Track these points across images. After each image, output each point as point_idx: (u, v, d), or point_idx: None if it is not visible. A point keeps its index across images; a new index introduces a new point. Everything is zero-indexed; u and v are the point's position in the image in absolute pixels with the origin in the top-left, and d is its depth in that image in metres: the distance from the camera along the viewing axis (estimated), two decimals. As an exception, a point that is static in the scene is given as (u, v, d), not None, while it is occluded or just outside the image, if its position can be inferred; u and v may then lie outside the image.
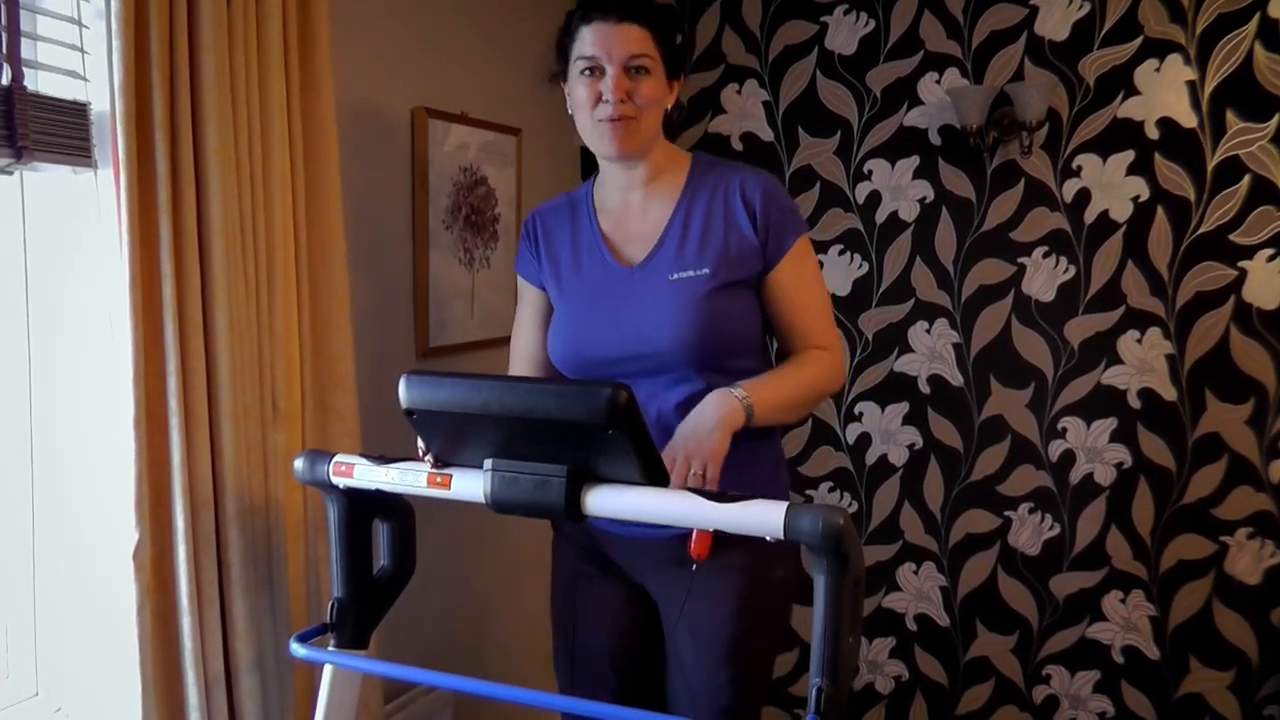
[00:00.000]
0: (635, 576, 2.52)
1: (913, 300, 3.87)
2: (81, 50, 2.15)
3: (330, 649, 2.10)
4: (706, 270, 2.33)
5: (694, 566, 2.24)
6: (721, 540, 1.84)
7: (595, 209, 2.51)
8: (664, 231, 2.40)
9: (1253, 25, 3.39)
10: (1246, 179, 3.43)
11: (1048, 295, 3.70)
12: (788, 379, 2.34)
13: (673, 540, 2.34)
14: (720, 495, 1.74)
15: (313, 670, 2.48)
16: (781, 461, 2.55)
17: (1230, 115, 3.43)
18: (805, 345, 2.42)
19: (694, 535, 1.86)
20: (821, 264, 3.86)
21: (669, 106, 2.43)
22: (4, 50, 2.03)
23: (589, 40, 2.31)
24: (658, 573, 2.46)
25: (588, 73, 2.32)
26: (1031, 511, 3.79)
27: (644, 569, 2.49)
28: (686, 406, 2.27)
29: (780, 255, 2.38)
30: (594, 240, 2.47)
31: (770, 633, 2.48)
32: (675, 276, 2.34)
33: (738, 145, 4.04)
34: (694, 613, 2.40)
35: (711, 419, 2.13)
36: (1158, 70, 3.50)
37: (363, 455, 2.01)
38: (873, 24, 3.83)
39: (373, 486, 1.99)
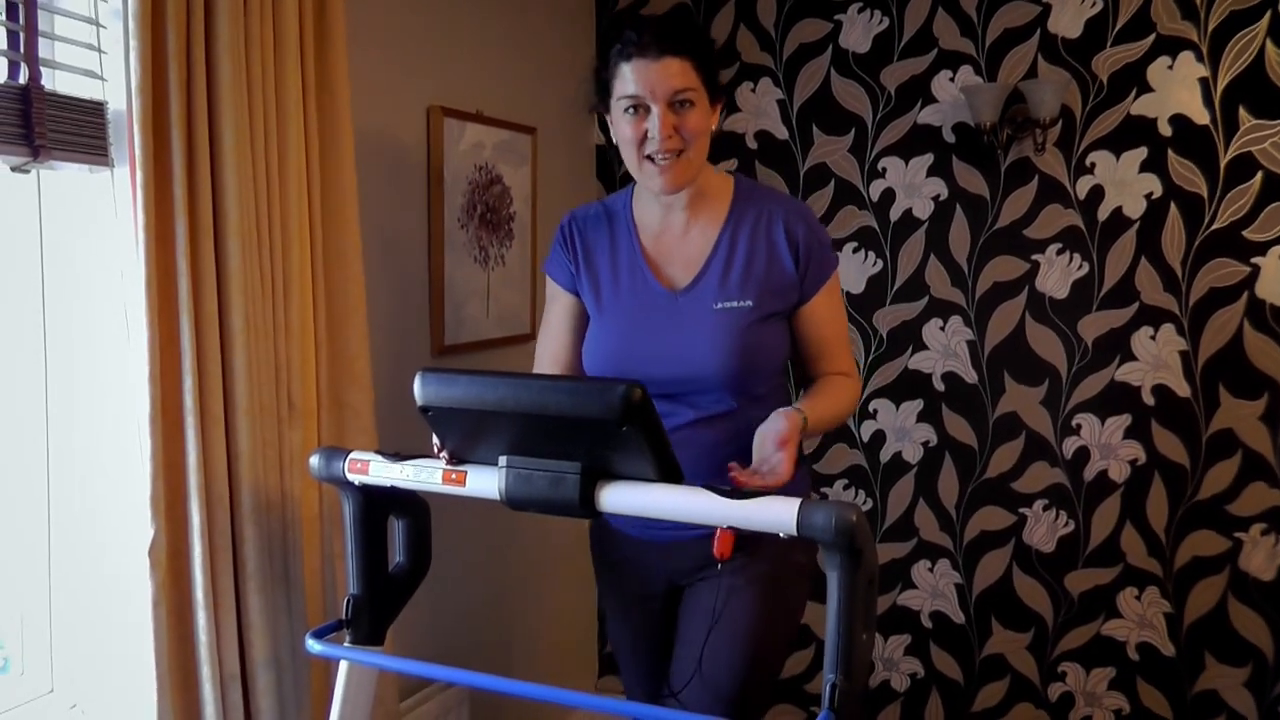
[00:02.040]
0: (660, 575, 2.56)
1: (927, 298, 3.87)
2: (99, 50, 2.17)
3: (346, 645, 2.11)
4: (750, 302, 2.38)
5: (719, 566, 2.26)
6: (743, 538, 1.85)
7: (635, 224, 2.52)
8: (708, 259, 2.43)
9: (1264, 22, 3.38)
10: (1259, 175, 3.43)
11: (1061, 292, 3.70)
12: (830, 401, 2.41)
13: (696, 540, 2.35)
14: (733, 491, 1.75)
15: (328, 666, 2.49)
16: (805, 461, 2.61)
17: (1243, 112, 3.43)
18: (829, 371, 2.50)
19: (716, 536, 1.86)
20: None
21: (712, 128, 2.42)
22: (21, 49, 2.05)
23: (630, 79, 2.29)
24: (682, 570, 2.50)
25: (631, 111, 2.31)
26: (1046, 508, 3.79)
27: (669, 569, 2.53)
28: (713, 422, 2.37)
29: (816, 289, 2.44)
30: (634, 257, 2.49)
31: (784, 613, 2.51)
32: (720, 306, 2.38)
33: (752, 144, 4.05)
34: (722, 605, 2.42)
35: (785, 429, 2.18)
36: (1170, 67, 3.50)
37: (378, 452, 2.02)
38: (887, 22, 3.83)
39: (388, 483, 2.00)
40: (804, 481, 2.57)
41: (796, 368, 2.58)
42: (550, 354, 2.62)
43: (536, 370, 2.65)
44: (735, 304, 2.37)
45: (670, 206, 2.47)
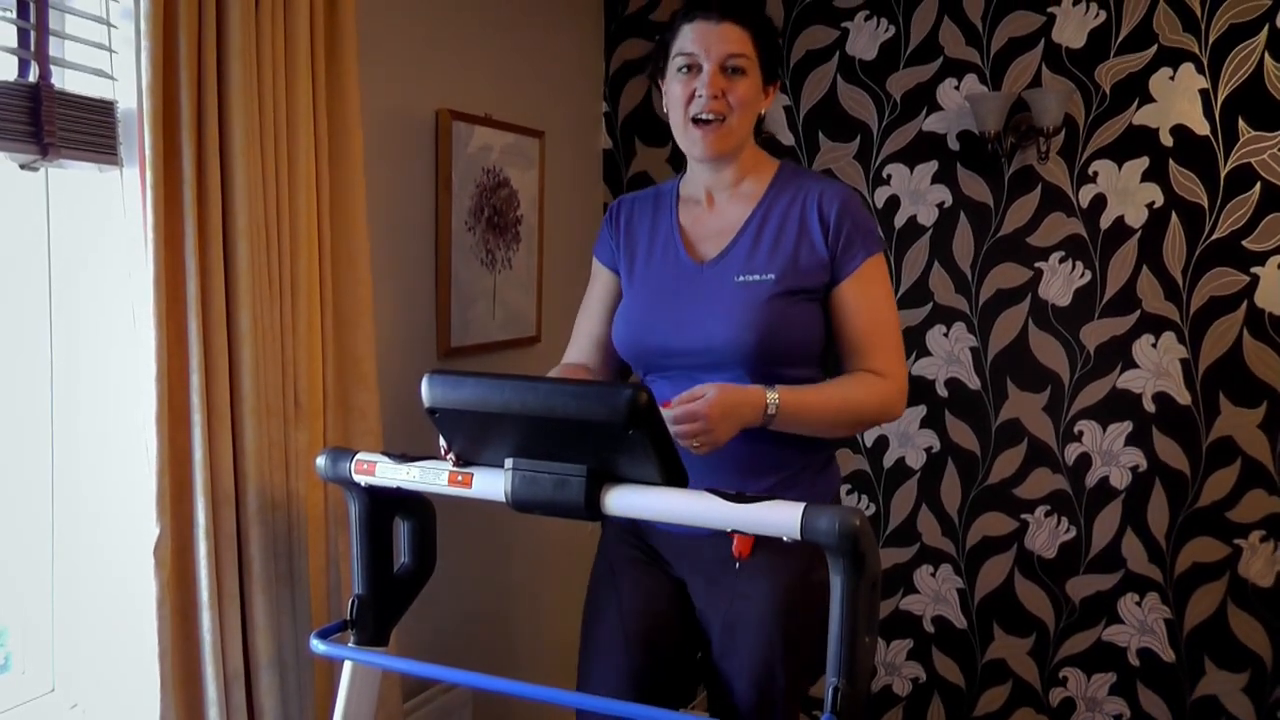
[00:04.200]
0: (678, 571, 2.53)
1: (930, 304, 3.88)
2: (109, 49, 2.17)
3: (350, 646, 2.12)
4: (772, 276, 2.35)
5: (737, 565, 2.26)
6: (762, 541, 1.85)
7: (678, 203, 2.55)
8: (738, 233, 2.43)
9: (1263, 36, 3.40)
10: (1258, 186, 3.44)
11: (1064, 300, 3.71)
12: (825, 393, 2.34)
13: (715, 537, 2.34)
14: (738, 496, 1.76)
15: (332, 667, 2.50)
16: (831, 467, 2.56)
17: (1242, 123, 3.44)
18: (861, 367, 2.40)
19: (736, 535, 1.87)
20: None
21: (763, 111, 2.46)
22: (32, 48, 2.06)
23: (689, 37, 2.36)
24: (701, 570, 2.47)
25: (685, 70, 2.37)
26: (1048, 514, 3.80)
27: (688, 565, 2.50)
28: None
29: (847, 271, 2.38)
30: (671, 233, 2.51)
31: (810, 632, 2.45)
32: (741, 279, 2.37)
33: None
34: (737, 615, 2.41)
35: (732, 411, 2.13)
36: (1172, 78, 3.51)
37: (385, 453, 2.03)
38: (893, 30, 3.85)
39: (394, 484, 2.01)
40: (831, 484, 2.54)
41: (831, 362, 2.48)
42: (586, 331, 2.65)
43: (570, 345, 2.67)
44: (757, 278, 2.35)
45: (713, 186, 2.50)
